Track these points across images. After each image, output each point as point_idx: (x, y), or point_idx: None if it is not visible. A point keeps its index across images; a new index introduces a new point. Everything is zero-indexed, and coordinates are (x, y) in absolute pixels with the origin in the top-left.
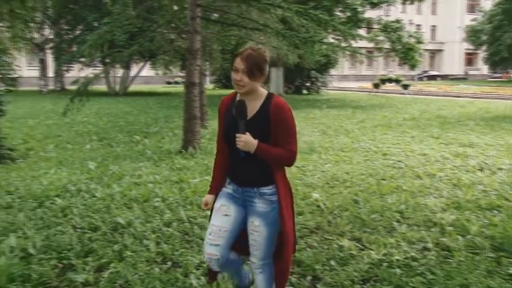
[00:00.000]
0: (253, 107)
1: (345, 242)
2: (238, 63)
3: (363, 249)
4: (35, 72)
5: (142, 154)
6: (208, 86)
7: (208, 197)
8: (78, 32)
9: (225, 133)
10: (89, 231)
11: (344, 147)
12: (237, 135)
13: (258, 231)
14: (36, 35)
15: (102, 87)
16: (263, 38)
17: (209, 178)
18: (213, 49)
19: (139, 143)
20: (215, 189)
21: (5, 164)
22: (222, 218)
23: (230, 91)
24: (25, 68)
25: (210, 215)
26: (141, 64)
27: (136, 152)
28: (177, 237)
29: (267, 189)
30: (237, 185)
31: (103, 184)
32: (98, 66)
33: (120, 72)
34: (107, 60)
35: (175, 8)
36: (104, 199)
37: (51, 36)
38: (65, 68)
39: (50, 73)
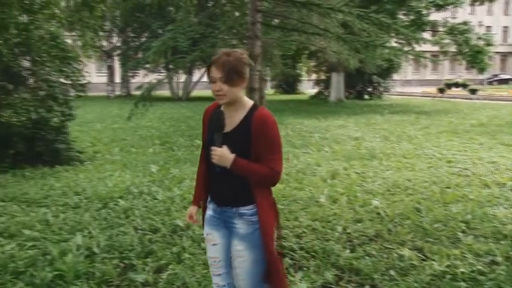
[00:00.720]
0: (235, 119)
1: (406, 252)
2: (214, 72)
3: (424, 260)
4: (103, 79)
5: None
6: (269, 91)
7: (192, 209)
8: (143, 40)
9: (206, 146)
10: (150, 233)
11: (406, 153)
12: (212, 148)
13: (242, 257)
14: (104, 43)
15: (165, 92)
16: (323, 43)
17: None
18: (274, 54)
19: (200, 148)
20: (197, 200)
21: (74, 166)
22: (212, 248)
23: (291, 96)
24: (94, 75)
25: None
26: (203, 70)
27: (196, 156)
28: None
29: (246, 210)
30: (216, 204)
31: (164, 187)
32: (161, 72)
33: (182, 77)
34: (170, 66)
35: (237, 14)
36: (165, 202)
37: (119, 44)
38: (130, 74)
39: (117, 79)
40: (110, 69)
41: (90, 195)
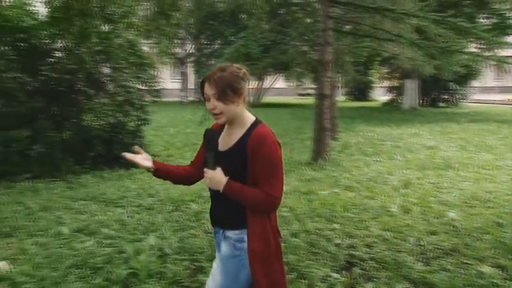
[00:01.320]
0: (233, 138)
1: (486, 269)
2: (207, 89)
3: (508, 279)
4: (177, 85)
5: None
6: (340, 98)
7: (146, 154)
8: (216, 46)
9: (202, 164)
10: None
11: (486, 164)
12: (204, 169)
13: (215, 279)
14: (178, 50)
15: None
16: (397, 49)
17: (339, 191)
18: (345, 61)
19: None
20: (158, 164)
21: None
22: (214, 266)
23: (362, 103)
24: (168, 81)
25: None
26: (275, 76)
27: None
28: (303, 249)
29: (232, 234)
30: (211, 224)
31: None
32: None
33: (254, 84)
34: None
35: (308, 20)
36: None
37: (192, 51)
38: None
39: (190, 85)
40: (184, 75)
41: (163, 198)
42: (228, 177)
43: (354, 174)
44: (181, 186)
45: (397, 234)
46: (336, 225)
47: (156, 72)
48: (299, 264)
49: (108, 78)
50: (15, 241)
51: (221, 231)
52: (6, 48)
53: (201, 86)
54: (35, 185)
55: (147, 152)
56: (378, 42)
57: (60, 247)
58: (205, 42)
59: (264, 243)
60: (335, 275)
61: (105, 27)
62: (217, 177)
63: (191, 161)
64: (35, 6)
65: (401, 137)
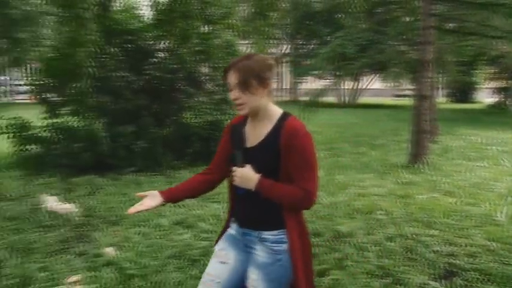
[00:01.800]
0: (261, 132)
1: None
2: (231, 77)
3: None
4: (272, 84)
5: (368, 166)
6: (441, 99)
7: (152, 192)
8: (312, 46)
9: (227, 164)
10: (313, 236)
11: None
12: (233, 168)
13: (255, 287)
14: (274, 50)
15: (331, 98)
16: (506, 47)
17: (438, 195)
18: (447, 61)
19: (365, 155)
20: (168, 193)
21: None
22: (218, 265)
23: (465, 105)
24: None
25: None
26: (371, 76)
27: (361, 163)
28: (399, 253)
29: (270, 235)
30: (238, 225)
31: (328, 192)
32: (329, 79)
33: (349, 84)
34: (338, 73)
35: (408, 19)
36: (329, 207)
37: (288, 51)
38: (298, 80)
39: (285, 85)
40: (279, 75)
41: None
42: (259, 174)
43: (455, 179)
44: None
45: (504, 246)
46: (434, 231)
47: None
48: (394, 270)
49: (207, 78)
50: (120, 229)
51: (255, 232)
52: (116, 49)
53: (224, 74)
54: (138, 178)
55: None
56: (485, 40)
57: (160, 238)
58: (301, 42)
59: (303, 242)
60: (433, 283)
61: (205, 28)
62: (248, 175)
63: (212, 162)
64: (141, 9)
65: (509, 142)
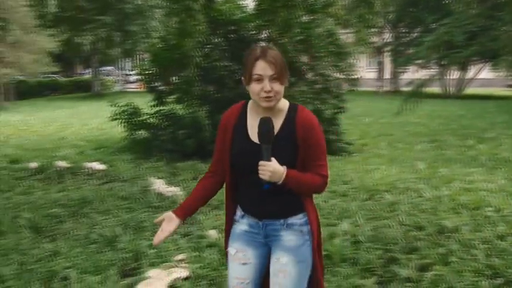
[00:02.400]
0: (275, 124)
1: None
2: (264, 68)
3: None
4: (372, 74)
5: (475, 160)
6: None
7: (168, 215)
8: (415, 35)
9: (237, 159)
10: (414, 230)
11: None
12: (262, 163)
13: (285, 271)
14: (376, 39)
15: (435, 89)
16: None
17: None
18: None
19: (473, 148)
20: (182, 211)
21: (343, 156)
22: (242, 268)
23: None
24: (364, 70)
25: (226, 258)
26: (480, 66)
27: (468, 156)
28: (511, 253)
29: (296, 219)
30: (256, 218)
31: (431, 185)
32: (433, 68)
33: (455, 74)
34: (443, 62)
35: None
36: (431, 200)
37: (390, 40)
38: (400, 70)
39: (386, 75)
40: (380, 64)
41: (357, 186)
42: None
43: None
44: (376, 175)
45: None
46: None
47: (354, 61)
48: (506, 270)
49: (308, 67)
50: (221, 214)
51: (279, 221)
52: (220, 39)
53: (251, 64)
54: None
55: (341, 141)
56: None
57: None
58: (403, 30)
59: (319, 225)
60: None
61: (307, 18)
62: (277, 168)
63: (213, 162)
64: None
65: None
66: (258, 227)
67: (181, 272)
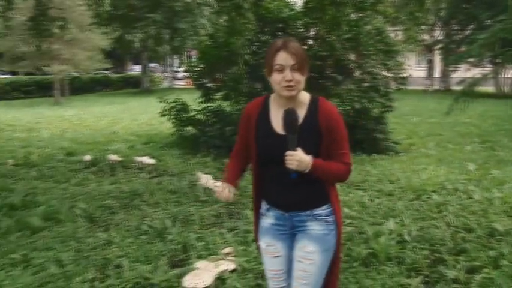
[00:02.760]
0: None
1: None
2: (285, 58)
3: None
4: (421, 73)
5: None
6: None
7: (227, 185)
8: (468, 32)
9: (263, 151)
10: (463, 231)
11: None
12: (288, 153)
13: (311, 260)
14: (426, 37)
15: (489, 88)
16: None
17: None
18: None
19: None
20: (232, 179)
21: (390, 155)
22: (274, 260)
23: None
24: (413, 68)
25: (259, 251)
26: None
27: None
28: None
29: (321, 210)
30: (282, 210)
31: (481, 187)
32: (486, 67)
33: (510, 72)
34: (498, 60)
35: None
36: (481, 202)
37: (441, 37)
38: (451, 68)
39: (436, 73)
40: (430, 63)
41: (404, 185)
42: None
43: None
44: (424, 176)
45: None
46: None
47: (402, 60)
48: None
49: (356, 65)
50: None
51: (307, 212)
52: (268, 37)
53: (272, 54)
54: None
55: (388, 140)
56: None
57: None
58: (456, 27)
59: (340, 214)
60: None
61: (355, 15)
62: (304, 158)
63: (236, 150)
64: None
65: None
66: (284, 219)
67: (228, 265)
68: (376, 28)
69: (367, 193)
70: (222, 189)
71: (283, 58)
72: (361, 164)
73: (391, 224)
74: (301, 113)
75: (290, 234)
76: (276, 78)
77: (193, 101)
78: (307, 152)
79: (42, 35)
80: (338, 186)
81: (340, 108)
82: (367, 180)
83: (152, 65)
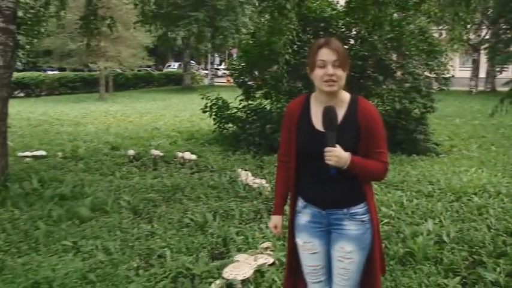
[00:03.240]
0: (338, 114)
1: None
2: (327, 54)
3: None
4: (466, 73)
5: None
6: None
7: (277, 220)
8: None
9: (304, 147)
10: (504, 235)
11: None
12: (328, 149)
13: (350, 258)
14: (472, 36)
15: None
16: None
17: None
18: None
19: None
20: (281, 208)
21: (430, 156)
22: (312, 256)
23: None
24: (457, 69)
25: (292, 246)
26: None
27: None
28: None
29: (358, 209)
30: (319, 208)
31: None
32: None
33: None
34: None
35: None
36: None
37: (487, 37)
38: (497, 69)
39: (481, 74)
40: (475, 63)
41: (444, 187)
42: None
43: None
44: (465, 178)
45: None
46: None
47: (446, 60)
48: None
49: (397, 65)
50: None
51: (344, 210)
52: (309, 36)
53: (315, 51)
54: None
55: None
56: None
57: None
58: (504, 26)
59: (376, 213)
60: None
61: (398, 15)
62: (343, 154)
63: (283, 150)
64: None
65: None
66: (320, 216)
67: (266, 259)
68: (419, 28)
69: (405, 193)
70: (273, 226)
71: (325, 54)
72: (401, 164)
73: (429, 225)
74: (341, 111)
75: (326, 231)
76: (318, 74)
77: (234, 98)
78: (346, 150)
79: (92, 33)
80: (376, 185)
81: (381, 108)
82: (406, 181)
83: (192, 62)
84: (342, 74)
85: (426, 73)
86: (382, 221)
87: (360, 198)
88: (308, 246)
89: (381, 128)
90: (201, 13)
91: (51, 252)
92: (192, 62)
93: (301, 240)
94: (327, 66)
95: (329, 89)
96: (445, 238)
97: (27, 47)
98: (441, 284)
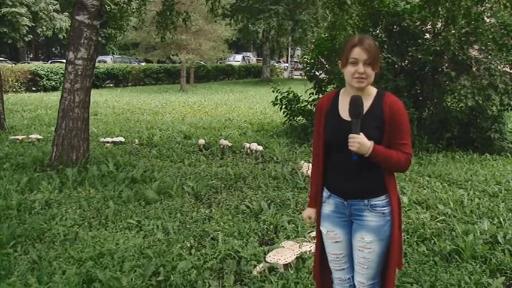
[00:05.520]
0: (364, 105)
1: None
2: (359, 53)
3: None
4: None
5: None
6: None
7: (310, 211)
8: None
9: (329, 136)
10: None
11: None
12: (351, 135)
13: (370, 248)
14: None
15: None
16: None
17: None
18: None
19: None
20: (314, 199)
21: (504, 156)
22: (335, 245)
23: None
24: None
25: (319, 236)
26: None
27: None
28: None
29: (378, 201)
30: (342, 198)
31: None
32: None
33: None
34: None
35: None
36: None
37: None
38: None
39: None
40: None
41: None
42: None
43: None
44: None
45: None
46: None
47: None
48: None
49: (473, 61)
50: None
51: (364, 201)
52: (380, 31)
53: (349, 49)
54: None
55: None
56: None
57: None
58: None
59: (399, 206)
60: None
61: (476, 8)
62: (365, 141)
63: (316, 144)
64: None
65: None
66: (343, 206)
67: (311, 246)
68: (501, 21)
69: (467, 192)
70: (307, 217)
71: (358, 53)
72: (470, 163)
73: (485, 224)
74: (368, 103)
75: (349, 221)
76: (349, 70)
77: (304, 92)
78: (370, 139)
79: (168, 27)
80: (438, 183)
81: (454, 105)
82: (471, 180)
83: (247, 54)
84: (371, 72)
85: (506, 69)
86: (436, 217)
87: (382, 191)
88: (331, 235)
89: (405, 121)
90: (281, 6)
91: (117, 229)
92: (249, 54)
93: (324, 229)
94: (359, 64)
95: (358, 85)
96: (499, 239)
97: (118, 39)
98: (484, 283)
